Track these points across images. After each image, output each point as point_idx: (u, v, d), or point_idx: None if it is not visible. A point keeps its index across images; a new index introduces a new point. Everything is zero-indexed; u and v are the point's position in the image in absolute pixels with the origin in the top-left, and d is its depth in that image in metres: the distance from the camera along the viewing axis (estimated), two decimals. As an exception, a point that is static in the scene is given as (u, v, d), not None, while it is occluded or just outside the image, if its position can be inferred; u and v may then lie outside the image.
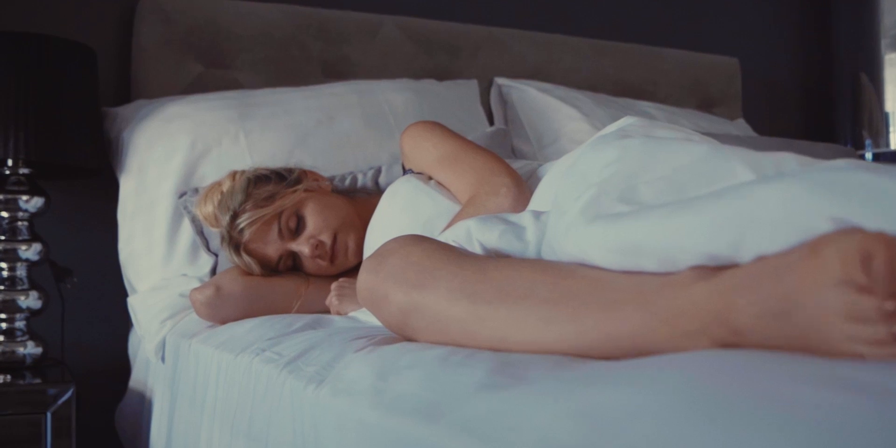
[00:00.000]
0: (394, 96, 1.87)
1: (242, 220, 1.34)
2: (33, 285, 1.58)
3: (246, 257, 1.36)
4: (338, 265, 1.40)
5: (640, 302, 0.60)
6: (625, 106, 2.15)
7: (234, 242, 1.36)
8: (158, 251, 1.63)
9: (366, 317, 1.15)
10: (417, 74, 2.06)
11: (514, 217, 0.87)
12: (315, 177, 1.48)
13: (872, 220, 0.51)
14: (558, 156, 1.80)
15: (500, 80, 2.16)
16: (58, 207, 1.72)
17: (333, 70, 2.01)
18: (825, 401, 0.42)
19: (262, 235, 1.36)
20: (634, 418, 0.45)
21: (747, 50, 2.63)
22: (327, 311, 1.29)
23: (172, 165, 1.64)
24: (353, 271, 1.39)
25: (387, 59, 2.06)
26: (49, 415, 1.38)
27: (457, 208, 1.24)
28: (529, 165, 1.36)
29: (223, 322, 1.33)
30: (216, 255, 1.57)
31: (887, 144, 2.54)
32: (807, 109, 2.81)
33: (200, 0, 1.89)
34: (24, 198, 1.56)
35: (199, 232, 1.58)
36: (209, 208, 1.43)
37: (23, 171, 1.58)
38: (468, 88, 2.06)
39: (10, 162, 1.57)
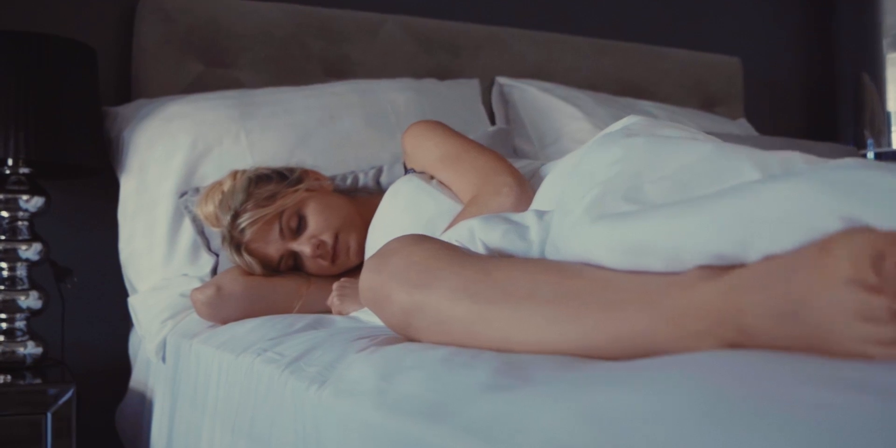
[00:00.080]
0: (395, 96, 1.86)
1: (243, 220, 1.34)
2: (33, 285, 1.57)
3: (247, 257, 1.35)
4: (339, 265, 1.39)
5: (646, 302, 0.59)
6: (626, 105, 2.15)
7: (236, 242, 1.36)
8: (159, 251, 1.62)
9: (367, 317, 1.15)
10: (418, 74, 2.06)
11: (516, 216, 0.87)
12: (316, 176, 1.48)
13: (883, 219, 0.50)
14: (560, 155, 1.80)
15: (501, 80, 2.15)
16: (58, 207, 1.71)
17: (334, 69, 2.01)
18: (832, 402, 0.41)
19: (264, 235, 1.36)
20: (641, 420, 0.45)
21: (749, 49, 2.63)
22: (329, 312, 1.29)
23: (173, 165, 1.64)
24: (354, 271, 1.39)
25: (388, 58, 2.05)
26: (49, 415, 1.37)
27: (459, 208, 1.24)
28: (531, 165, 1.35)
29: (224, 322, 1.33)
30: (217, 255, 1.57)
31: (889, 144, 2.53)
32: (808, 109, 2.81)
33: (201, -1, 1.89)
34: (25, 197, 1.56)
35: (200, 232, 1.57)
36: (210, 208, 1.43)
37: (23, 170, 1.57)
38: (469, 88, 2.06)
39: (10, 161, 1.56)
